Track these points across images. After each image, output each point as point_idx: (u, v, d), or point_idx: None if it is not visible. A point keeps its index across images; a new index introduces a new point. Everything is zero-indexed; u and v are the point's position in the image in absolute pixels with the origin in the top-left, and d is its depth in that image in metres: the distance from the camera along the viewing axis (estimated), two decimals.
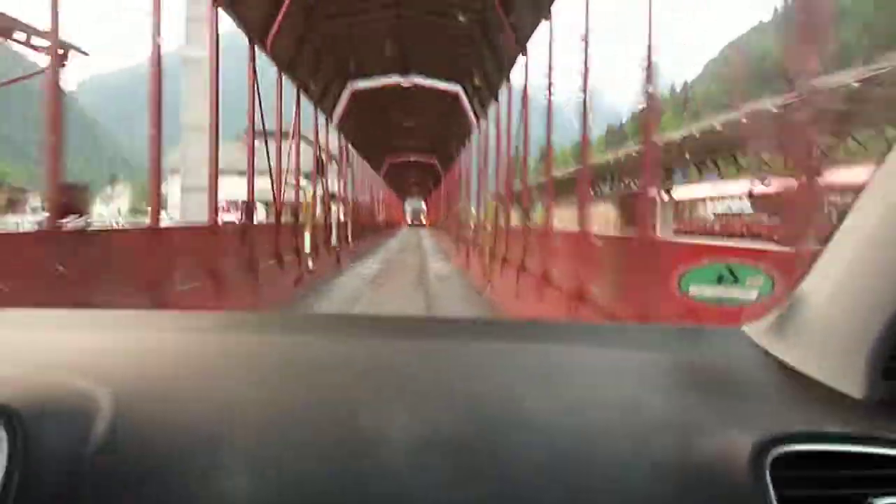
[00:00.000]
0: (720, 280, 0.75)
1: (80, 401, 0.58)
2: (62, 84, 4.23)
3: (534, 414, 0.59)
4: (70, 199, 4.21)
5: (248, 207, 8.72)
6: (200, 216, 9.82)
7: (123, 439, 0.55)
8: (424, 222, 57.16)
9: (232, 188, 10.98)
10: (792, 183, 2.74)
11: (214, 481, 0.53)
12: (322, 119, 14.88)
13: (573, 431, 0.57)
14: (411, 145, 28.21)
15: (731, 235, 22.12)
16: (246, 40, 8.71)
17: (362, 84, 15.80)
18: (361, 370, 0.68)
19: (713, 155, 23.59)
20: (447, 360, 0.73)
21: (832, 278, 0.69)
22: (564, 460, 0.54)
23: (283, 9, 9.37)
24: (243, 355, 0.72)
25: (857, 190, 0.67)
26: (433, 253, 20.21)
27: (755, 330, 0.78)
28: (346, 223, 17.36)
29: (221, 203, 8.33)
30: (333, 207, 18.32)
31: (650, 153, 5.02)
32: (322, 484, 0.52)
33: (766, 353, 0.74)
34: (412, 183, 48.18)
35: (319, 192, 14.66)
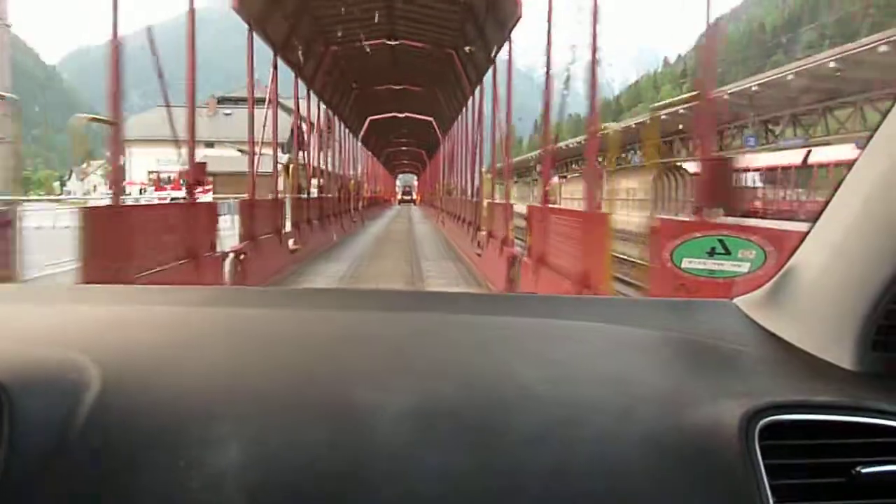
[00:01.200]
0: (712, 252, 0.79)
1: (68, 373, 0.61)
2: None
3: (526, 385, 0.63)
4: None
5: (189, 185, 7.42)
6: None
7: (112, 411, 0.58)
8: (415, 199, 56.95)
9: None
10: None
11: (204, 452, 0.55)
12: (303, 89, 14.69)
13: (565, 403, 0.61)
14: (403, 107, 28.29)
15: None
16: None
17: (348, 48, 15.81)
18: (353, 342, 0.71)
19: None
20: (439, 332, 0.76)
21: (822, 252, 0.73)
22: (556, 431, 0.57)
23: None
24: (233, 328, 0.75)
25: (847, 165, 0.70)
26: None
27: (746, 303, 0.81)
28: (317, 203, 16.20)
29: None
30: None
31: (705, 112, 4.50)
32: (313, 453, 0.55)
33: (757, 325, 0.78)
34: (403, 158, 48.84)
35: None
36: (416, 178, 61.18)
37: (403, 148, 36.88)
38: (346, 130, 25.33)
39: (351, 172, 27.40)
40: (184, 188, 7.74)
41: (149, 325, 0.75)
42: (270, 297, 1.01)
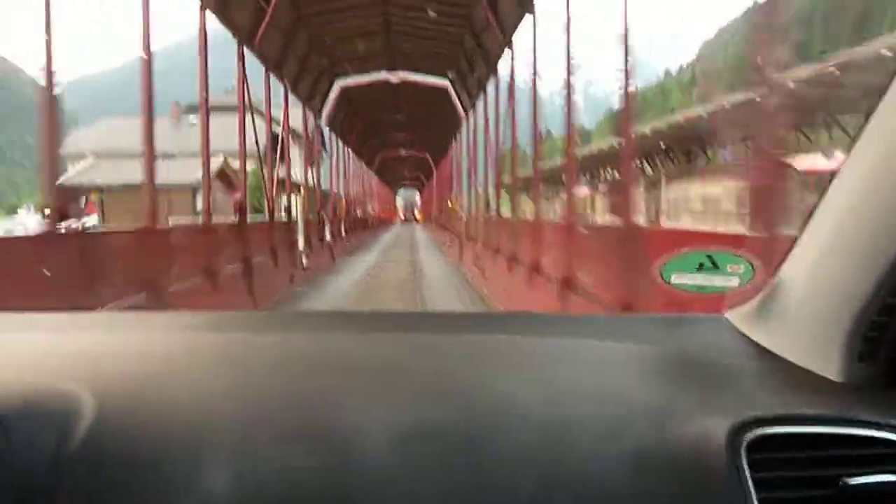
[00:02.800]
0: (700, 268, 0.87)
1: (62, 402, 0.67)
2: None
3: (517, 404, 0.69)
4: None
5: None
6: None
7: (106, 439, 0.64)
8: (417, 218, 56.31)
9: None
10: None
11: (198, 480, 0.61)
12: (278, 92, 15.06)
13: (555, 421, 0.67)
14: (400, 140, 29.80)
15: None
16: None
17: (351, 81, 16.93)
18: (344, 364, 0.79)
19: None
20: (432, 353, 0.84)
21: (809, 264, 0.81)
22: (546, 449, 0.64)
23: (271, 9, 10.65)
24: (227, 353, 0.83)
25: (830, 175, 0.79)
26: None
27: (737, 316, 0.91)
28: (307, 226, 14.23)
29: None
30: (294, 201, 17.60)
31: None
32: (303, 478, 0.61)
33: (748, 339, 0.87)
34: (403, 174, 48.96)
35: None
36: (418, 193, 60.78)
37: (402, 152, 36.66)
38: (335, 138, 25.41)
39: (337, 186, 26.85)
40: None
41: (141, 352, 0.83)
42: (263, 322, 1.12)
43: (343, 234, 21.80)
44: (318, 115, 19.44)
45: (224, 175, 16.37)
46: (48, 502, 0.60)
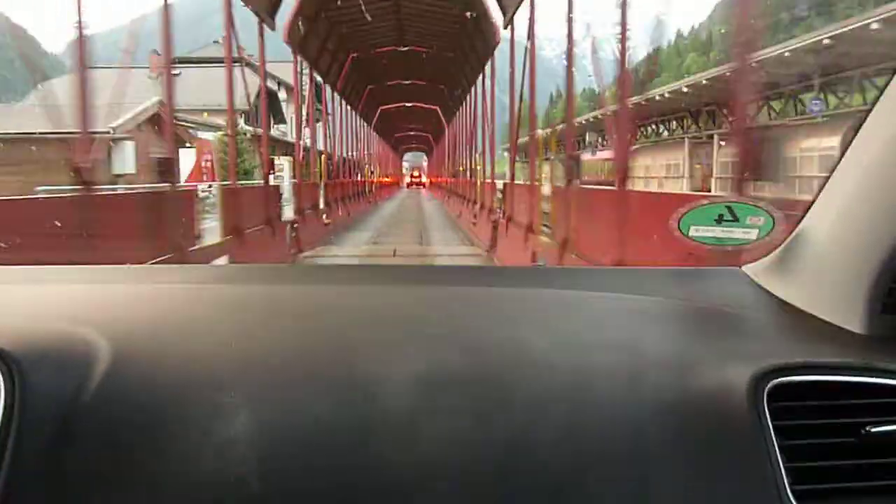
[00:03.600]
0: (720, 220, 0.90)
1: (78, 348, 0.70)
2: None
3: (536, 353, 0.73)
4: None
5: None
6: None
7: (121, 384, 0.67)
8: (425, 182, 55.46)
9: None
10: None
11: (214, 422, 0.64)
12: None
13: (574, 370, 0.71)
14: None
15: None
16: None
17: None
18: (361, 315, 0.84)
19: None
20: (448, 304, 0.89)
21: (830, 217, 0.85)
22: (564, 396, 0.67)
23: None
24: (242, 304, 0.88)
25: (854, 131, 0.83)
26: None
27: (755, 270, 0.96)
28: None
29: None
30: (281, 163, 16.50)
31: None
32: (322, 421, 0.65)
33: (766, 291, 0.91)
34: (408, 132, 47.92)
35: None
36: (425, 157, 60.34)
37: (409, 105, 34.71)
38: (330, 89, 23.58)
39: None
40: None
41: (159, 301, 0.88)
42: (280, 274, 1.18)
43: (325, 207, 17.60)
44: (313, 66, 18.93)
45: (159, 123, 13.78)
46: (65, 445, 0.63)
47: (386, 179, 47.83)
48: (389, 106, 34.97)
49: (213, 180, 16.81)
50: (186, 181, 15.33)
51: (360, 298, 0.91)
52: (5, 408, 0.64)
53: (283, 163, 19.33)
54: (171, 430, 0.64)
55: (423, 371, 0.70)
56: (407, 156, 68.34)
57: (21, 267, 1.05)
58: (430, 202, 33.49)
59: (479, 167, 20.92)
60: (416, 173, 65.04)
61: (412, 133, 49.12)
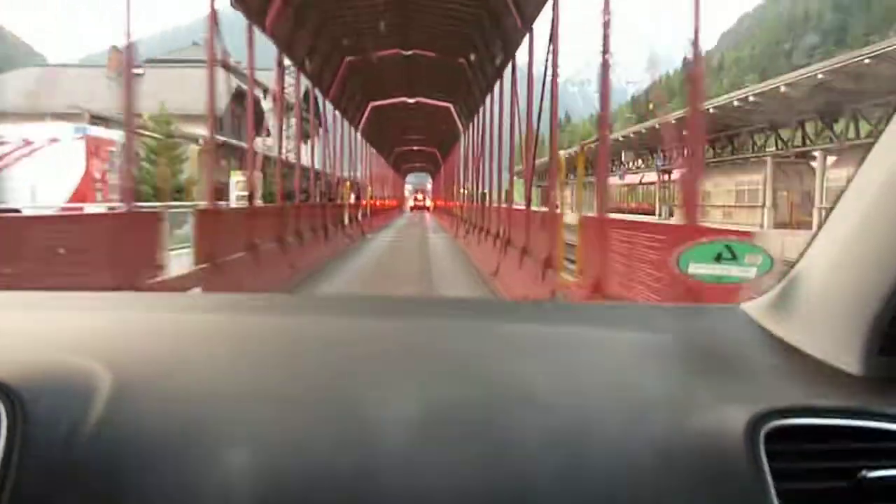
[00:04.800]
0: (719, 258, 0.96)
1: (79, 378, 0.76)
2: None
3: (535, 390, 0.79)
4: None
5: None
6: None
7: (121, 416, 0.73)
8: (429, 206, 55.28)
9: None
10: None
11: (215, 458, 0.69)
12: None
13: (572, 408, 0.77)
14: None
15: None
16: None
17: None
18: (362, 348, 0.91)
19: None
20: (449, 338, 0.97)
21: (829, 256, 0.94)
22: (563, 437, 0.73)
23: None
24: (242, 335, 0.96)
25: (854, 168, 0.91)
26: None
27: (754, 308, 1.06)
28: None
29: None
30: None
31: None
32: (322, 457, 0.70)
33: (765, 330, 1.00)
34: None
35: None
36: (429, 179, 60.63)
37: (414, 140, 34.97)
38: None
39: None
40: None
41: (158, 331, 0.96)
42: (280, 304, 1.28)
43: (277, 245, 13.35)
44: (300, 68, 18.68)
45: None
46: (66, 477, 0.68)
47: (385, 202, 46.07)
48: (390, 117, 33.66)
49: (108, 199, 14.10)
50: (69, 200, 13.38)
51: (361, 331, 0.99)
52: (7, 440, 0.69)
53: (238, 178, 17.45)
54: (172, 463, 0.69)
55: (424, 407, 0.76)
56: (410, 178, 68.80)
57: (18, 292, 1.11)
58: (437, 236, 28.10)
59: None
60: (419, 196, 65.35)
61: (415, 148, 48.33)
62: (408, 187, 70.39)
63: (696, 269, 1.03)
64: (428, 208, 59.67)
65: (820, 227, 0.96)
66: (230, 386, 0.79)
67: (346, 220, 23.38)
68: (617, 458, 0.71)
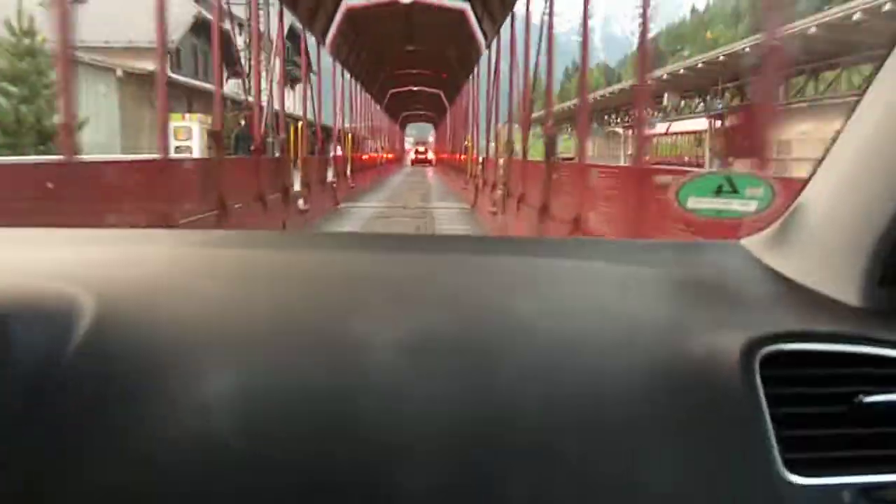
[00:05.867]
0: (719, 191, 1.00)
1: (62, 304, 0.83)
2: None
3: (523, 319, 0.86)
4: None
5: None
6: None
7: (104, 341, 0.79)
8: (431, 160, 56.00)
9: None
10: None
11: (196, 385, 0.75)
12: None
13: (562, 335, 0.83)
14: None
15: None
16: None
17: None
18: (354, 282, 0.99)
19: None
20: (438, 272, 1.04)
21: (829, 190, 1.02)
22: (552, 361, 0.79)
23: None
24: (233, 269, 1.04)
25: (854, 101, 0.98)
26: None
27: (753, 243, 1.16)
28: None
29: None
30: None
31: None
32: (306, 382, 0.76)
33: (764, 265, 1.08)
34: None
35: None
36: (432, 129, 59.82)
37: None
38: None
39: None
40: None
41: (149, 263, 1.04)
42: (273, 240, 1.38)
43: None
44: None
45: None
46: (48, 403, 0.73)
47: (377, 155, 39.75)
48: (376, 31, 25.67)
49: None
50: None
51: (351, 266, 1.09)
52: None
53: (192, 125, 15.58)
54: (152, 388, 0.74)
55: (409, 335, 0.82)
56: (410, 127, 68.13)
57: (12, 229, 1.17)
58: (445, 205, 21.29)
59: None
60: (421, 148, 64.82)
61: (414, 89, 41.99)
62: (408, 140, 70.68)
63: (697, 203, 1.07)
64: (430, 161, 58.32)
65: (820, 161, 1.04)
66: (217, 315, 0.85)
67: (301, 184, 16.41)
68: (607, 384, 0.76)
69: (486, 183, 18.53)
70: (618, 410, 0.74)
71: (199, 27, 21.63)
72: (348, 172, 23.66)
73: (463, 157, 28.49)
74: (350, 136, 26.92)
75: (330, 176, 19.97)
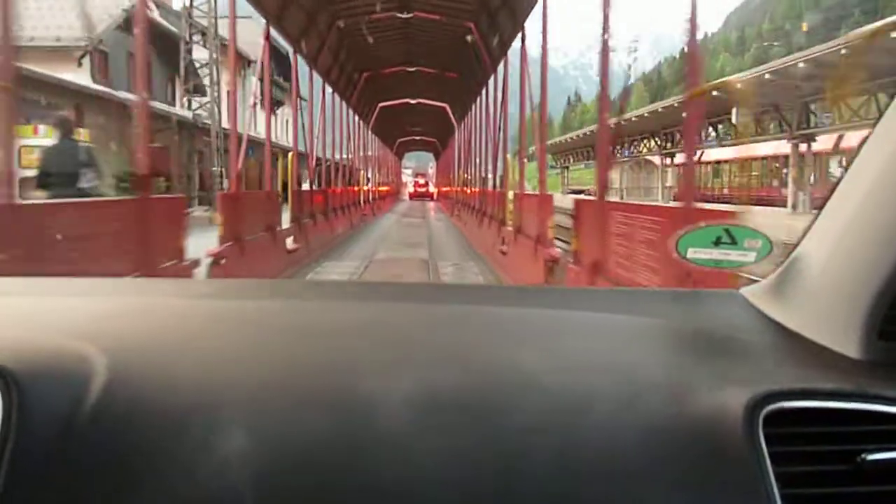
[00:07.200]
0: (717, 242, 1.03)
1: (75, 362, 0.86)
2: None
3: (531, 374, 0.90)
4: None
5: None
6: None
7: (118, 399, 0.82)
8: (432, 193, 56.00)
9: None
10: None
11: (212, 443, 0.77)
12: None
13: (568, 391, 0.87)
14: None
15: None
16: None
17: None
18: (358, 332, 1.05)
19: None
20: (446, 323, 1.11)
21: (828, 241, 1.09)
22: (559, 419, 0.82)
23: None
24: (239, 319, 1.11)
25: (853, 152, 1.07)
26: None
27: (753, 293, 1.25)
28: None
29: None
30: None
31: None
32: (317, 438, 0.79)
33: (764, 315, 1.16)
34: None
35: None
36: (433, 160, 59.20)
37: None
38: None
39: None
40: None
41: (155, 316, 1.11)
42: (277, 289, 1.48)
43: None
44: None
45: None
46: (62, 461, 0.75)
47: (367, 188, 35.05)
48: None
49: None
50: None
51: (357, 315, 1.17)
52: (3, 423, 0.78)
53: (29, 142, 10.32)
54: (169, 447, 0.77)
55: (418, 390, 0.87)
56: (408, 157, 67.81)
57: (19, 278, 1.19)
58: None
59: None
60: (420, 181, 63.68)
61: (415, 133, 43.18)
62: (406, 172, 70.75)
63: (695, 253, 1.10)
64: (431, 195, 55.84)
65: (819, 211, 1.13)
66: (228, 370, 0.90)
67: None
68: (613, 440, 0.80)
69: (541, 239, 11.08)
70: (623, 467, 0.77)
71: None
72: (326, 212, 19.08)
73: (472, 190, 23.08)
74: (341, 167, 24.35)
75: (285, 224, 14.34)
